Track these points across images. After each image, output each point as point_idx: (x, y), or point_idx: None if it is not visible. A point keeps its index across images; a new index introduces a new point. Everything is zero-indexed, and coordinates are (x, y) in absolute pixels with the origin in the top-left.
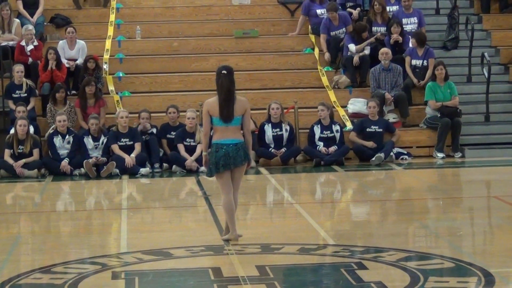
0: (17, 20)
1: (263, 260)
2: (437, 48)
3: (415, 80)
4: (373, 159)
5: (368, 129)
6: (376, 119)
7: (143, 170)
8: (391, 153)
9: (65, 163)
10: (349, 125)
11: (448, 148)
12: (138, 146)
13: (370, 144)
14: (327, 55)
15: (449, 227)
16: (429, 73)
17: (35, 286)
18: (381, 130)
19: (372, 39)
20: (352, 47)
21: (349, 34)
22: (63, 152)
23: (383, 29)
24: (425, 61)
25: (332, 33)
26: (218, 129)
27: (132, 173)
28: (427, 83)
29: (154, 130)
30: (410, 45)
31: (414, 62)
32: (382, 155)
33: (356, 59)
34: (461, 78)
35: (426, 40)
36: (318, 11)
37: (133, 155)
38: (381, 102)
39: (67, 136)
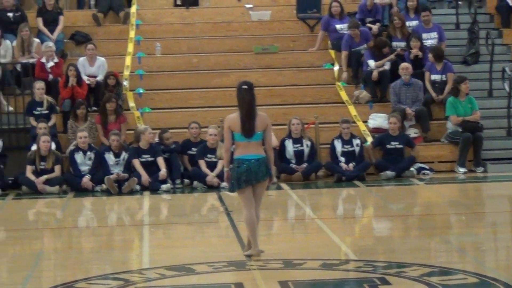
0: (37, 40)
1: (286, 275)
2: (457, 63)
3: (434, 95)
4: (382, 173)
5: (388, 146)
6: (397, 135)
7: (164, 186)
8: (412, 168)
9: (86, 179)
10: (369, 140)
11: (470, 163)
12: (161, 160)
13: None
14: (345, 74)
15: (472, 242)
16: (448, 87)
17: None
18: (401, 146)
19: (392, 56)
20: (371, 63)
21: (369, 49)
22: (84, 168)
23: (403, 44)
24: (443, 76)
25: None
26: (239, 144)
27: (154, 189)
28: (446, 98)
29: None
30: (429, 60)
31: (433, 77)
32: (393, 173)
33: (375, 74)
34: (481, 92)
35: (444, 55)
36: (338, 27)
37: (163, 168)
38: (402, 117)
39: (88, 152)
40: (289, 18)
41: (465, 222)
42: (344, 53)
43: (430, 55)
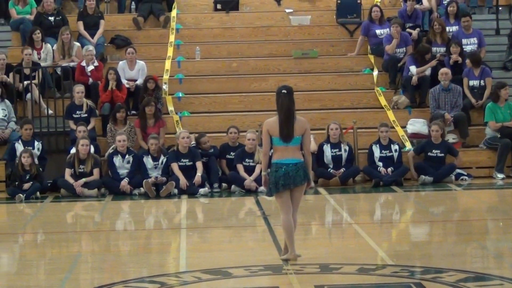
0: (77, 44)
1: (322, 279)
2: (497, 69)
3: (473, 101)
4: (420, 177)
5: (429, 153)
6: (439, 143)
7: (202, 190)
8: (451, 175)
9: (124, 182)
10: (408, 146)
11: (509, 169)
12: (200, 165)
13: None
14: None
15: (509, 248)
16: (487, 92)
17: None
18: (442, 155)
19: (433, 62)
20: (413, 69)
21: (411, 55)
22: (123, 171)
23: (442, 49)
24: (482, 81)
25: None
26: (278, 148)
27: (191, 193)
28: (485, 103)
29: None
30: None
31: (471, 82)
32: (430, 179)
33: (414, 79)
34: None
35: (481, 60)
36: (378, 32)
37: (199, 173)
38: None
39: (127, 156)
40: (329, 23)
41: (503, 228)
42: (387, 47)
43: (467, 61)
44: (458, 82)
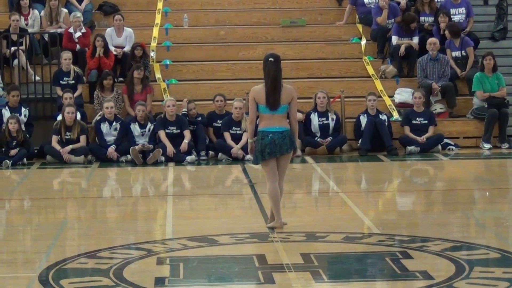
0: (65, 10)
1: (308, 248)
2: (485, 39)
3: (458, 71)
4: (406, 147)
5: (414, 121)
6: (422, 111)
7: (189, 158)
8: (438, 145)
9: (111, 149)
10: (395, 115)
11: (495, 139)
12: (187, 133)
13: (420, 139)
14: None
15: (495, 218)
16: (470, 61)
17: (81, 270)
18: (426, 122)
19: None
20: (394, 39)
21: (397, 24)
22: (110, 138)
23: (431, 19)
24: (463, 52)
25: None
26: (264, 116)
27: (178, 160)
28: (468, 73)
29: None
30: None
31: (453, 54)
32: (417, 149)
33: (402, 49)
34: (509, 69)
35: (460, 31)
36: (366, 1)
37: (186, 140)
38: (428, 93)
39: (114, 123)
40: None
41: (489, 197)
42: (375, 20)
43: (446, 32)
44: (445, 53)
